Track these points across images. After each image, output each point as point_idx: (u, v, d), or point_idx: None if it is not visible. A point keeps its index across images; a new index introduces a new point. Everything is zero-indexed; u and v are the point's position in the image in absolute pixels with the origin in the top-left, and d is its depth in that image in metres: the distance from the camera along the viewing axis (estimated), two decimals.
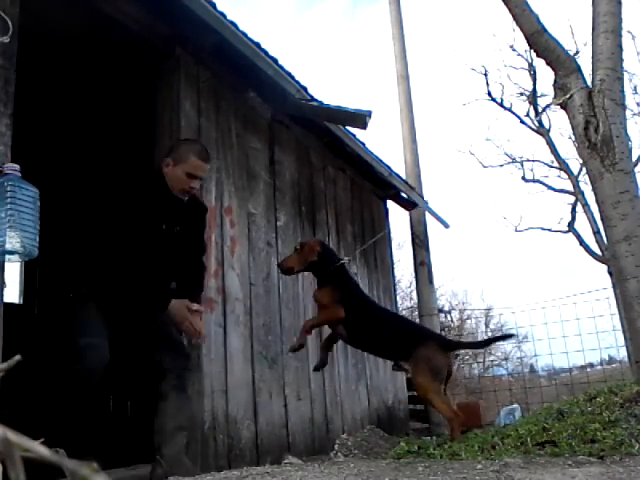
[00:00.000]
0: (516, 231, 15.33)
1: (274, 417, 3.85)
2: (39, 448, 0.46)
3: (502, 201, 37.32)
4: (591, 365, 9.65)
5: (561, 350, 7.70)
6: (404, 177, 6.84)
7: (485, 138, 22.97)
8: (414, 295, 10.98)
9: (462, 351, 10.78)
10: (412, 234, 7.11)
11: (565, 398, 3.90)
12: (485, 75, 14.10)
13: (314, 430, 4.29)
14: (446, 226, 7.28)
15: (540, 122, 13.69)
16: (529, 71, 13.67)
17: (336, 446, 3.67)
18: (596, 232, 12.19)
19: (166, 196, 2.85)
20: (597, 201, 3.21)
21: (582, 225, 14.89)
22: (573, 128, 3.28)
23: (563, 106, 3.30)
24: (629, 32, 12.14)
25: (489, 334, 16.59)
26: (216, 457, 3.21)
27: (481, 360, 14.91)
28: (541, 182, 14.70)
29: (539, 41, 3.31)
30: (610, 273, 10.99)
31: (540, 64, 10.09)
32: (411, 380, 3.38)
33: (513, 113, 14.16)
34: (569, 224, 14.12)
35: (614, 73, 3.22)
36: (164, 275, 2.75)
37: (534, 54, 3.62)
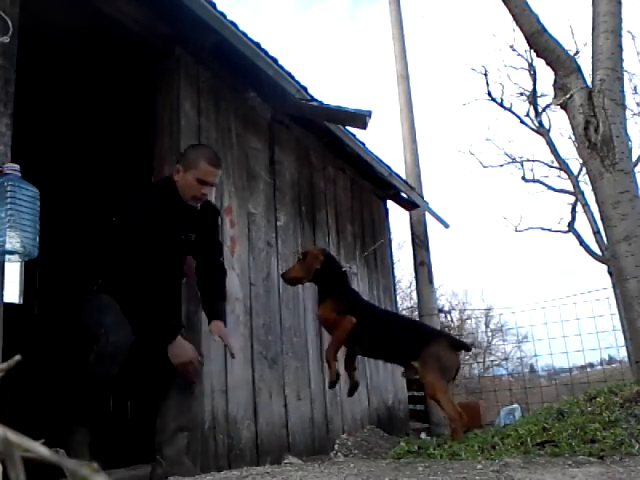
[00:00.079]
0: (516, 231, 15.33)
1: (274, 417, 3.85)
2: (39, 448, 0.46)
3: (502, 201, 37.34)
4: (591, 365, 9.66)
5: (561, 350, 7.70)
6: (404, 177, 6.84)
7: (485, 138, 22.97)
8: (414, 295, 10.98)
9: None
10: (412, 234, 7.11)
11: (565, 398, 3.90)
12: (485, 75, 14.10)
13: (314, 430, 4.29)
14: (446, 226, 7.28)
15: (540, 122, 13.68)
16: (529, 71, 13.67)
17: (336, 446, 3.67)
18: (596, 232, 12.19)
19: (179, 205, 2.81)
20: (597, 201, 3.21)
21: (582, 225, 14.90)
22: (573, 128, 3.28)
23: (563, 106, 3.30)
24: (629, 32, 12.15)
25: (489, 334, 16.62)
26: (216, 457, 3.21)
27: (481, 360, 14.92)
28: (541, 182, 14.71)
29: (539, 41, 3.31)
30: (610, 273, 10.98)
31: (540, 64, 10.10)
32: (418, 378, 3.33)
33: (513, 113, 14.17)
34: (569, 224, 14.11)
35: (614, 73, 3.22)
36: (177, 292, 2.75)
37: (534, 54, 3.62)
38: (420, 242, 7.01)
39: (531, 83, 13.71)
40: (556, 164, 14.00)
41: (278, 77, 3.90)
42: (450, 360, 3.26)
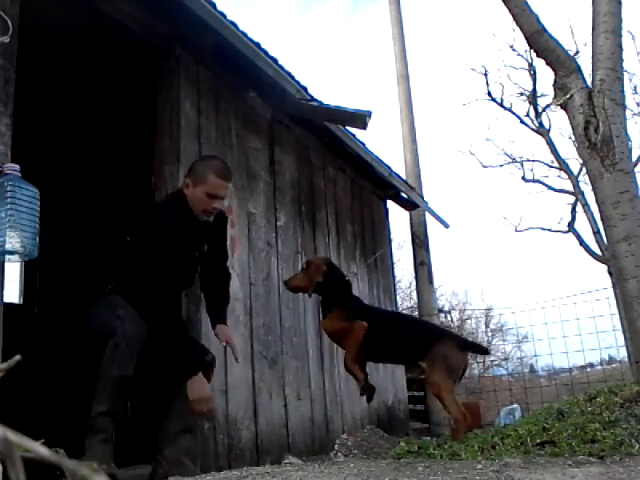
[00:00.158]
0: (516, 231, 15.33)
1: (274, 417, 3.85)
2: (39, 448, 0.46)
3: (502, 201, 37.35)
4: (591, 365, 9.66)
5: (561, 350, 7.71)
6: (404, 177, 6.84)
7: (485, 138, 22.97)
8: (414, 295, 10.99)
9: None
10: (412, 234, 7.11)
11: (565, 398, 3.90)
12: (485, 75, 14.09)
13: (314, 430, 4.29)
14: (446, 226, 7.28)
15: (540, 122, 13.68)
16: (529, 71, 13.66)
17: (336, 446, 3.66)
18: (596, 232, 12.18)
19: (191, 220, 2.75)
20: (597, 201, 3.21)
21: (582, 225, 14.92)
22: (573, 128, 3.28)
23: (563, 106, 3.29)
24: (629, 32, 12.15)
25: (489, 334, 16.62)
26: (216, 457, 3.21)
27: (481, 360, 14.91)
28: (541, 182, 14.70)
29: (539, 41, 3.31)
30: (610, 273, 10.98)
31: (540, 64, 10.10)
32: (424, 378, 3.30)
33: (513, 113, 14.16)
34: (569, 224, 14.11)
35: (614, 73, 3.22)
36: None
37: (534, 54, 3.62)
38: (420, 242, 7.01)
39: (531, 83, 13.71)
40: (556, 164, 14.00)
41: (278, 77, 3.90)
42: (457, 360, 3.23)
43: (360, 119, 4.19)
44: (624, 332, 7.29)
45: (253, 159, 4.14)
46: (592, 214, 12.09)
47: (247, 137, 4.11)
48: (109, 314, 2.57)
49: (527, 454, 2.15)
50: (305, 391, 4.30)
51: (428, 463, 2.05)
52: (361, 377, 3.32)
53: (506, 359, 14.48)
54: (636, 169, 9.41)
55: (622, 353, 9.20)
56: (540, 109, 13.69)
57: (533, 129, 13.91)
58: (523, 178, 14.80)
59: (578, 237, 13.84)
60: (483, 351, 4.02)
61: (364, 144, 5.33)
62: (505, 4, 3.39)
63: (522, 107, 17.46)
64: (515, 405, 8.00)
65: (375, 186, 6.25)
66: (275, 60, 3.82)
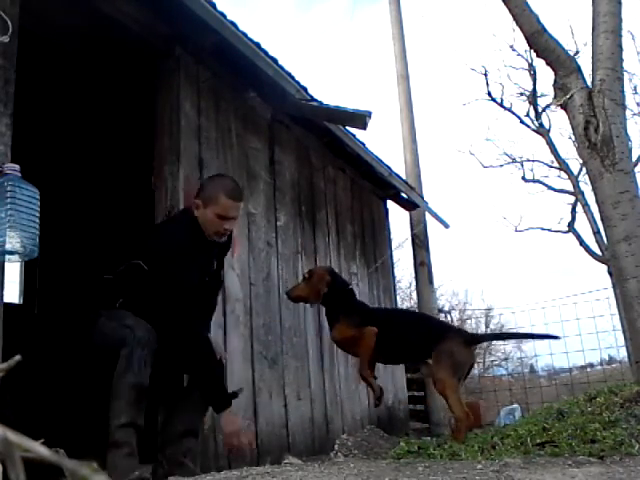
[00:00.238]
0: (516, 231, 15.32)
1: (274, 417, 3.85)
2: (39, 448, 0.46)
3: (502, 201, 37.33)
4: (591, 365, 9.67)
5: (561, 350, 7.72)
6: (404, 177, 6.84)
7: (485, 138, 22.98)
8: (414, 295, 10.98)
9: None
10: (412, 234, 7.11)
11: (565, 398, 3.90)
12: (485, 75, 14.09)
13: (314, 430, 4.29)
14: (446, 226, 7.28)
15: (540, 122, 13.68)
16: (529, 71, 13.66)
17: (336, 446, 3.66)
18: (596, 232, 12.18)
19: (203, 243, 2.67)
20: (597, 201, 3.21)
21: (582, 225, 14.89)
22: (573, 128, 3.28)
23: (563, 106, 3.29)
24: (629, 32, 12.15)
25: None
26: (216, 457, 3.21)
27: (481, 360, 14.92)
28: (541, 182, 14.70)
29: (539, 41, 3.31)
30: (610, 273, 10.98)
31: (540, 64, 10.08)
32: (431, 374, 3.27)
33: (513, 113, 14.16)
34: (569, 224, 14.11)
35: (614, 73, 3.22)
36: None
37: (534, 54, 3.62)
38: (420, 242, 7.01)
39: (531, 83, 13.71)
40: (556, 164, 14.00)
41: (278, 77, 3.89)
42: (463, 356, 3.20)
43: (360, 119, 4.19)
44: (624, 332, 7.29)
45: (253, 159, 4.14)
46: (592, 214, 12.09)
47: (247, 137, 4.11)
48: (116, 326, 2.47)
49: (527, 454, 2.15)
50: (305, 391, 4.30)
51: (428, 463, 2.05)
52: (377, 387, 3.28)
53: (506, 359, 14.50)
54: (636, 169, 9.41)
55: (622, 353, 9.21)
56: (540, 109, 13.69)
57: (533, 129, 13.91)
58: (523, 178, 14.80)
59: (578, 237, 13.84)
60: (501, 338, 3.77)
61: (364, 144, 5.33)
62: (505, 4, 3.39)
63: (522, 107, 17.45)
64: (515, 405, 8.00)
65: (375, 186, 6.25)
66: (275, 60, 3.82)
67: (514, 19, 3.40)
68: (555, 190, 14.60)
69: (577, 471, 1.70)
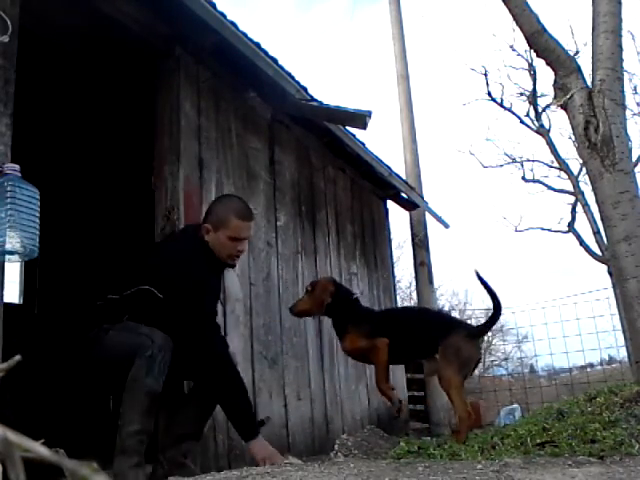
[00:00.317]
0: (516, 231, 15.33)
1: (274, 417, 3.84)
2: (39, 448, 0.46)
3: (502, 201, 37.34)
4: (591, 365, 9.67)
5: (561, 350, 7.72)
6: (404, 177, 6.84)
7: (485, 138, 22.99)
8: (414, 295, 10.98)
9: None
10: (412, 234, 7.11)
11: (565, 398, 3.90)
12: (485, 75, 14.10)
13: (314, 430, 4.29)
14: (446, 226, 7.28)
15: (540, 122, 13.68)
16: (529, 71, 13.67)
17: (336, 446, 3.65)
18: (596, 232, 12.19)
19: (216, 267, 2.65)
20: (597, 201, 3.21)
21: (582, 225, 14.90)
22: (573, 128, 3.28)
23: (563, 106, 3.29)
24: (629, 32, 12.16)
25: (489, 334, 16.60)
26: (216, 457, 3.21)
27: (481, 360, 14.90)
28: (541, 182, 14.71)
29: (539, 41, 3.31)
30: (610, 273, 10.98)
31: (540, 64, 10.09)
32: (437, 371, 3.23)
33: (513, 113, 14.17)
34: (569, 224, 14.11)
35: (614, 73, 3.21)
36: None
37: (534, 54, 3.62)
38: (420, 242, 7.01)
39: (531, 83, 13.72)
40: (556, 164, 14.01)
41: (278, 77, 3.89)
42: (470, 352, 3.17)
43: (360, 119, 4.19)
44: (624, 332, 7.29)
45: (253, 159, 4.14)
46: (592, 214, 12.09)
47: (247, 137, 4.11)
48: (130, 335, 2.38)
49: (527, 454, 2.15)
50: (305, 391, 4.30)
51: (428, 463, 2.05)
52: (396, 399, 3.25)
53: (506, 359, 14.49)
54: (636, 169, 9.42)
55: (622, 353, 9.21)
56: (540, 109, 13.71)
57: (533, 129, 13.92)
58: (523, 178, 14.81)
59: (578, 237, 13.85)
60: (496, 317, 3.61)
61: (364, 144, 5.33)
62: (505, 4, 3.39)
63: (522, 107, 17.46)
64: (515, 405, 8.00)
65: (375, 186, 6.25)
66: (275, 60, 3.82)
67: (514, 19, 3.40)
68: (555, 190, 14.62)
69: (577, 471, 1.70)
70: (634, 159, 11.55)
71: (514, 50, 13.52)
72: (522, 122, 14.03)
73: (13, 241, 2.08)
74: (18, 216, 2.10)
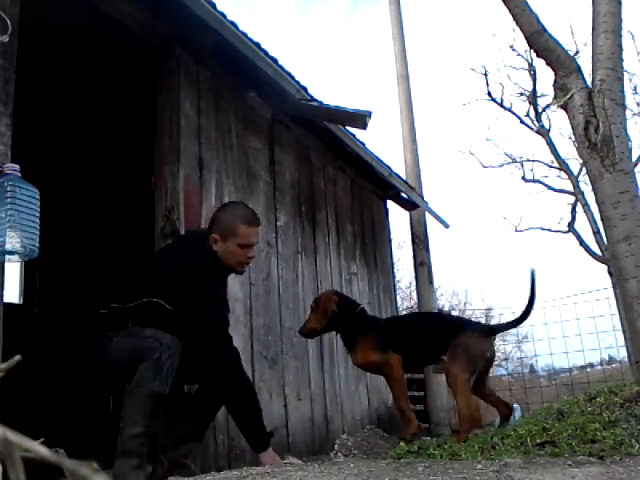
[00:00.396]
0: (516, 231, 15.34)
1: (274, 417, 3.84)
2: (39, 448, 0.46)
3: (502, 201, 37.33)
4: (591, 365, 9.66)
5: (561, 350, 7.71)
6: (404, 177, 6.84)
7: (485, 138, 22.99)
8: (414, 295, 10.98)
9: None
10: (412, 234, 7.11)
11: (565, 398, 3.89)
12: (485, 75, 14.12)
13: (314, 430, 4.29)
14: (446, 226, 7.28)
15: (540, 122, 13.68)
16: (529, 71, 13.68)
17: (336, 446, 3.66)
18: (596, 232, 12.19)
19: (224, 277, 2.66)
20: (597, 201, 3.21)
21: (582, 225, 14.89)
22: (573, 128, 3.28)
23: (563, 106, 3.29)
24: (629, 32, 12.17)
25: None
26: (216, 457, 3.21)
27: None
28: (541, 182, 14.72)
29: (539, 41, 3.31)
30: (610, 273, 10.99)
31: (540, 64, 10.08)
32: (444, 367, 3.21)
33: (513, 113, 14.18)
34: (569, 224, 14.12)
35: (614, 73, 3.21)
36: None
37: (534, 54, 3.62)
38: (420, 242, 7.01)
39: (531, 83, 13.73)
40: (556, 164, 14.01)
41: (278, 77, 3.89)
42: (479, 349, 3.14)
43: (360, 119, 4.19)
44: (624, 332, 7.29)
45: (253, 159, 4.14)
46: (592, 214, 12.10)
47: (247, 137, 4.11)
48: (135, 339, 2.35)
49: (527, 454, 2.15)
50: (305, 391, 4.30)
51: (428, 463, 2.05)
52: (415, 422, 3.28)
53: (506, 359, 14.46)
54: (636, 169, 9.42)
55: (622, 353, 9.21)
56: (540, 109, 13.71)
57: (533, 129, 13.92)
58: (523, 178, 14.81)
59: (578, 237, 13.85)
60: (515, 324, 3.57)
61: (364, 144, 5.33)
62: (505, 4, 3.39)
63: (522, 107, 17.46)
64: (515, 405, 7.98)
65: (375, 186, 6.25)
66: (275, 60, 3.82)
67: (514, 19, 3.40)
68: (555, 190, 14.62)
69: (577, 471, 1.70)
70: (634, 159, 11.55)
71: (514, 50, 13.54)
72: (522, 122, 14.04)
73: (13, 241, 2.08)
74: (18, 216, 2.10)
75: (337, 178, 5.47)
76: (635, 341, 3.07)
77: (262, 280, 4.01)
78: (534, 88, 13.65)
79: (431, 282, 7.04)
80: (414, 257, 7.09)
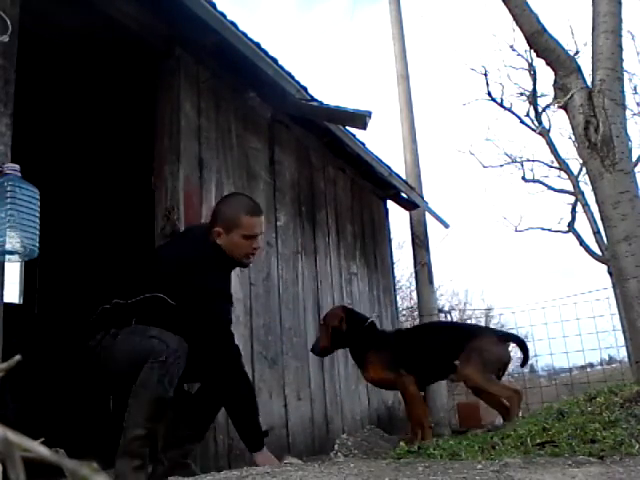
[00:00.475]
0: (516, 231, 15.33)
1: (274, 417, 3.85)
2: (39, 448, 0.46)
3: (502, 201, 37.29)
4: (591, 365, 9.65)
5: (561, 350, 7.71)
6: (404, 177, 6.84)
7: (485, 138, 22.99)
8: (414, 295, 10.97)
9: None
10: (412, 234, 7.11)
11: (565, 398, 3.89)
12: (485, 75, 14.12)
13: (314, 430, 4.29)
14: (446, 226, 7.28)
15: (540, 122, 13.69)
16: (529, 71, 13.68)
17: (336, 446, 3.66)
18: (596, 232, 12.19)
19: (228, 271, 2.63)
20: (597, 201, 3.21)
21: (582, 225, 14.91)
22: (573, 128, 3.28)
23: (563, 106, 3.29)
24: (629, 32, 12.17)
25: None
26: (216, 457, 3.21)
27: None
28: (541, 182, 14.72)
29: (539, 41, 3.31)
30: (610, 273, 10.98)
31: (540, 64, 10.07)
32: (458, 374, 3.17)
33: (513, 113, 14.18)
34: (569, 224, 14.12)
35: (614, 73, 3.21)
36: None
37: (534, 54, 3.62)
38: (420, 242, 7.01)
39: (531, 83, 13.73)
40: (556, 164, 14.01)
41: (278, 77, 3.89)
42: (495, 353, 3.11)
43: (360, 119, 4.19)
44: (624, 332, 7.29)
45: (253, 159, 4.14)
46: (592, 214, 12.10)
47: (247, 137, 4.11)
48: (140, 339, 2.32)
49: (527, 454, 2.15)
50: (305, 391, 4.30)
51: (428, 463, 2.05)
52: (431, 433, 3.27)
53: None
54: (636, 169, 9.42)
55: (622, 353, 9.20)
56: (540, 109, 13.72)
57: (533, 129, 13.92)
58: (523, 178, 14.81)
59: (578, 237, 13.85)
60: (521, 342, 3.58)
61: (364, 144, 5.33)
62: (505, 4, 3.39)
63: (522, 107, 17.48)
64: None
65: (375, 186, 6.25)
66: (275, 60, 3.82)
67: (514, 19, 3.40)
68: (555, 190, 14.63)
69: (577, 471, 1.70)
70: (634, 159, 11.55)
71: (514, 50, 13.54)
72: (522, 122, 14.05)
73: (13, 241, 2.08)
74: (18, 216, 2.10)
75: (337, 178, 5.47)
76: (635, 341, 3.07)
77: (262, 280, 4.01)
78: (534, 88, 13.66)
79: (431, 282, 7.04)
80: (414, 257, 7.09)
